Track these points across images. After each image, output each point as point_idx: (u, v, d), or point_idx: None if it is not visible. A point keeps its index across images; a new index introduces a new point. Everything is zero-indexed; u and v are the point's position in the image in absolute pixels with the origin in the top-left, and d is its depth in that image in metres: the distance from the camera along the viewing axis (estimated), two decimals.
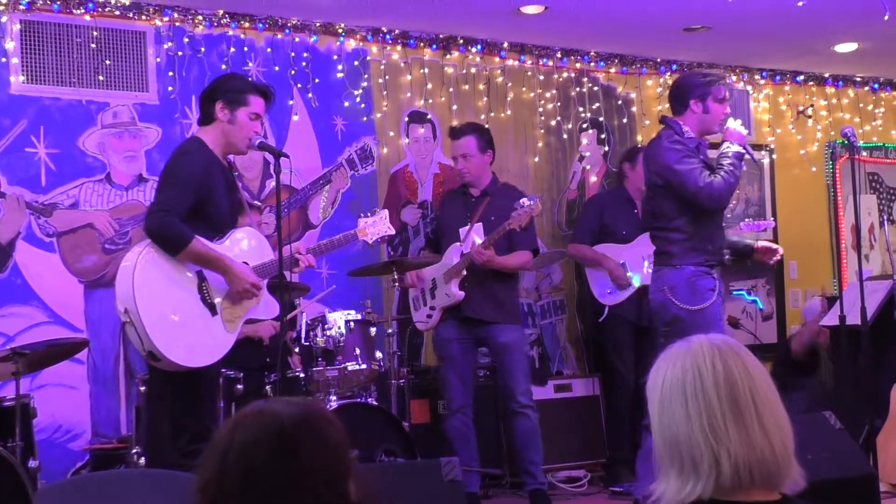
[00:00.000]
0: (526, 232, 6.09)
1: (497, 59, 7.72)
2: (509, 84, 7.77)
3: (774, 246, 5.82)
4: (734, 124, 5.37)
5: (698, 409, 1.95)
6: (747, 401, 1.95)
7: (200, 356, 4.48)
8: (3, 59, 6.17)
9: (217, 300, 4.57)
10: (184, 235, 4.45)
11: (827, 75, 8.99)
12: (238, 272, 4.56)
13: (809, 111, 8.95)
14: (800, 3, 6.86)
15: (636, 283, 6.79)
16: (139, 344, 4.45)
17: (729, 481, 1.91)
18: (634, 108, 8.29)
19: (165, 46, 6.60)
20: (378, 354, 5.94)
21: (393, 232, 5.41)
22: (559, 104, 7.94)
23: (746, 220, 7.69)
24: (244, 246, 4.68)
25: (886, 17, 6.84)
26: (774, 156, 8.91)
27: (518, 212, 5.85)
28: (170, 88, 6.57)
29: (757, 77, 8.78)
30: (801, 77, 8.92)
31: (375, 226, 5.25)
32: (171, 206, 4.48)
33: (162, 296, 4.46)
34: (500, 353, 6.22)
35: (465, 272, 6.13)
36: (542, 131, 7.83)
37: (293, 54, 7.01)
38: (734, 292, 8.61)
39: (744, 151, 5.30)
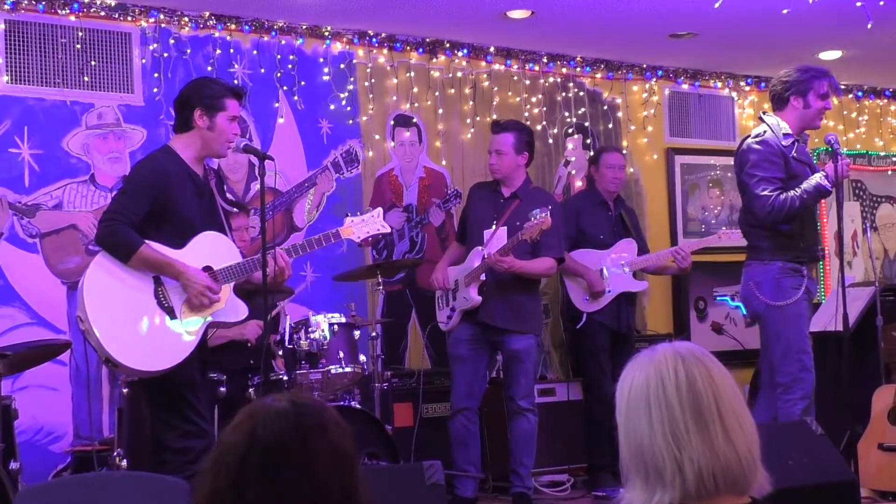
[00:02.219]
0: (550, 238, 6.02)
1: (483, 64, 7.73)
2: (495, 88, 7.78)
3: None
4: (843, 162, 5.27)
5: (661, 418, 1.95)
6: (710, 408, 1.95)
7: (159, 360, 4.47)
8: None
9: (175, 303, 4.56)
10: (132, 242, 4.46)
11: None
12: (190, 277, 4.54)
13: None
14: (784, 11, 6.89)
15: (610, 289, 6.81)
16: (96, 351, 4.46)
17: (694, 489, 1.91)
18: (620, 114, 8.31)
19: (151, 48, 6.59)
20: (362, 357, 5.93)
21: (388, 230, 5.31)
22: (545, 109, 7.96)
23: (724, 228, 7.70)
24: (208, 250, 4.66)
25: (869, 26, 6.88)
26: None
27: (530, 223, 5.80)
28: (155, 90, 6.56)
29: (742, 84, 8.82)
30: None
31: (365, 224, 5.16)
32: (122, 213, 4.49)
33: (114, 302, 4.47)
34: (510, 359, 6.18)
35: (483, 276, 6.11)
36: None
37: (279, 57, 7.00)
38: (718, 298, 8.63)
39: (830, 191, 5.25)
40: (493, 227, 6.17)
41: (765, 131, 5.40)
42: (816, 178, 5.22)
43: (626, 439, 2.01)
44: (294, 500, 1.79)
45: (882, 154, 9.51)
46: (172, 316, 4.54)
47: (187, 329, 4.56)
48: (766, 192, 5.23)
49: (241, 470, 1.79)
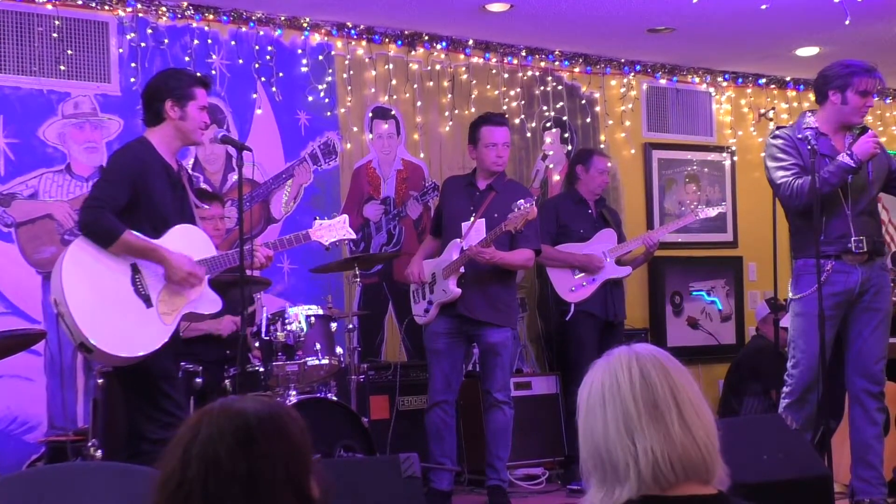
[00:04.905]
0: (528, 230, 6.03)
1: (462, 57, 7.73)
2: (474, 82, 7.77)
3: None
4: (869, 138, 5.17)
5: (615, 414, 1.97)
6: (666, 400, 1.97)
7: (133, 346, 4.47)
8: None
9: (152, 292, 4.57)
10: (115, 228, 4.46)
11: (788, 78, 9.07)
12: (175, 262, 4.57)
13: (771, 114, 9.01)
14: (763, 7, 6.92)
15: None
16: (70, 335, 4.46)
17: (651, 478, 1.93)
18: (598, 108, 8.32)
19: (128, 37, 6.55)
20: (338, 350, 5.93)
21: (353, 236, 5.40)
22: (523, 102, 7.96)
23: (700, 206, 7.75)
24: (184, 242, 4.67)
25: (847, 22, 6.91)
26: (735, 158, 8.98)
27: (514, 214, 5.80)
28: (132, 80, 6.52)
29: (719, 79, 8.84)
30: (763, 80, 8.99)
31: (332, 229, 5.25)
32: (104, 199, 4.51)
33: (91, 287, 4.47)
34: (487, 351, 6.18)
35: (462, 269, 6.11)
36: None
37: (257, 48, 6.98)
38: (693, 293, 8.67)
39: (853, 167, 5.13)
40: (472, 219, 6.17)
41: (783, 128, 5.44)
42: (840, 156, 5.18)
43: (584, 442, 2.04)
44: (235, 484, 1.84)
45: None
46: (149, 304, 4.55)
47: (163, 319, 4.57)
48: (784, 179, 5.23)
49: (184, 457, 1.86)
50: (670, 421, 1.95)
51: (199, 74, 5.08)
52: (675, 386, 1.99)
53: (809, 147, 5.13)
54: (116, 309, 4.49)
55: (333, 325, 5.98)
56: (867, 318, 5.34)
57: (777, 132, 5.42)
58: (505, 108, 7.79)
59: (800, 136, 5.27)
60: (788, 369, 5.37)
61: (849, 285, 5.26)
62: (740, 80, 8.91)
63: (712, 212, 7.35)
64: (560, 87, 8.13)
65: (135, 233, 4.50)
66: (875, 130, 5.48)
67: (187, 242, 4.68)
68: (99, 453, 5.36)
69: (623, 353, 2.04)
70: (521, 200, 5.83)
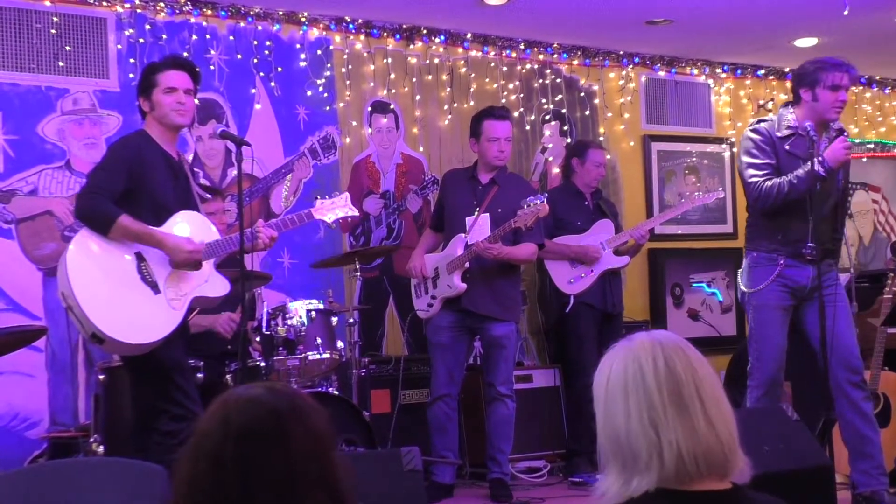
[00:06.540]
0: (533, 224, 6.04)
1: (460, 50, 7.72)
2: (472, 75, 7.77)
3: None
4: (839, 143, 5.17)
5: (638, 404, 1.96)
6: (691, 394, 1.96)
7: (144, 333, 4.49)
8: None
9: (159, 279, 4.58)
10: (110, 213, 4.49)
11: (787, 69, 9.05)
12: (173, 243, 4.59)
13: (770, 105, 9.01)
14: None
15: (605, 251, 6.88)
16: (81, 327, 4.47)
17: (674, 471, 1.92)
18: (597, 101, 8.32)
19: (126, 33, 6.55)
20: (339, 344, 5.93)
21: (356, 213, 5.35)
22: (522, 95, 7.96)
23: (697, 194, 7.73)
24: (186, 229, 4.68)
25: (846, 13, 6.91)
26: (735, 149, 8.98)
27: (525, 210, 5.81)
28: (130, 75, 6.51)
29: (718, 71, 8.84)
30: (762, 71, 8.99)
31: (334, 206, 5.20)
32: (99, 187, 4.54)
33: (98, 277, 4.48)
34: (491, 344, 6.19)
35: (468, 264, 6.11)
36: None
37: (256, 43, 6.98)
38: (694, 285, 8.67)
39: (823, 176, 5.09)
40: (475, 213, 6.16)
41: (765, 120, 5.41)
42: (811, 164, 5.14)
43: (603, 428, 2.02)
44: (271, 482, 1.81)
45: (857, 141, 9.56)
46: (157, 291, 4.56)
47: (171, 304, 4.57)
48: (754, 179, 5.26)
49: (218, 455, 1.81)
50: (695, 415, 1.94)
51: (168, 57, 5.13)
52: (699, 377, 1.98)
53: (810, 142, 5.10)
54: (125, 297, 4.50)
55: (334, 320, 5.99)
56: (828, 309, 5.34)
57: (757, 126, 5.39)
58: (504, 101, 7.77)
59: (779, 134, 5.28)
60: (752, 362, 5.41)
61: (800, 281, 5.31)
62: (739, 71, 8.91)
63: (710, 198, 7.33)
64: (559, 80, 8.13)
65: (131, 217, 4.52)
66: (874, 120, 5.48)
67: (190, 229, 4.69)
68: (101, 449, 5.37)
69: (646, 341, 2.02)
70: (531, 197, 5.85)
